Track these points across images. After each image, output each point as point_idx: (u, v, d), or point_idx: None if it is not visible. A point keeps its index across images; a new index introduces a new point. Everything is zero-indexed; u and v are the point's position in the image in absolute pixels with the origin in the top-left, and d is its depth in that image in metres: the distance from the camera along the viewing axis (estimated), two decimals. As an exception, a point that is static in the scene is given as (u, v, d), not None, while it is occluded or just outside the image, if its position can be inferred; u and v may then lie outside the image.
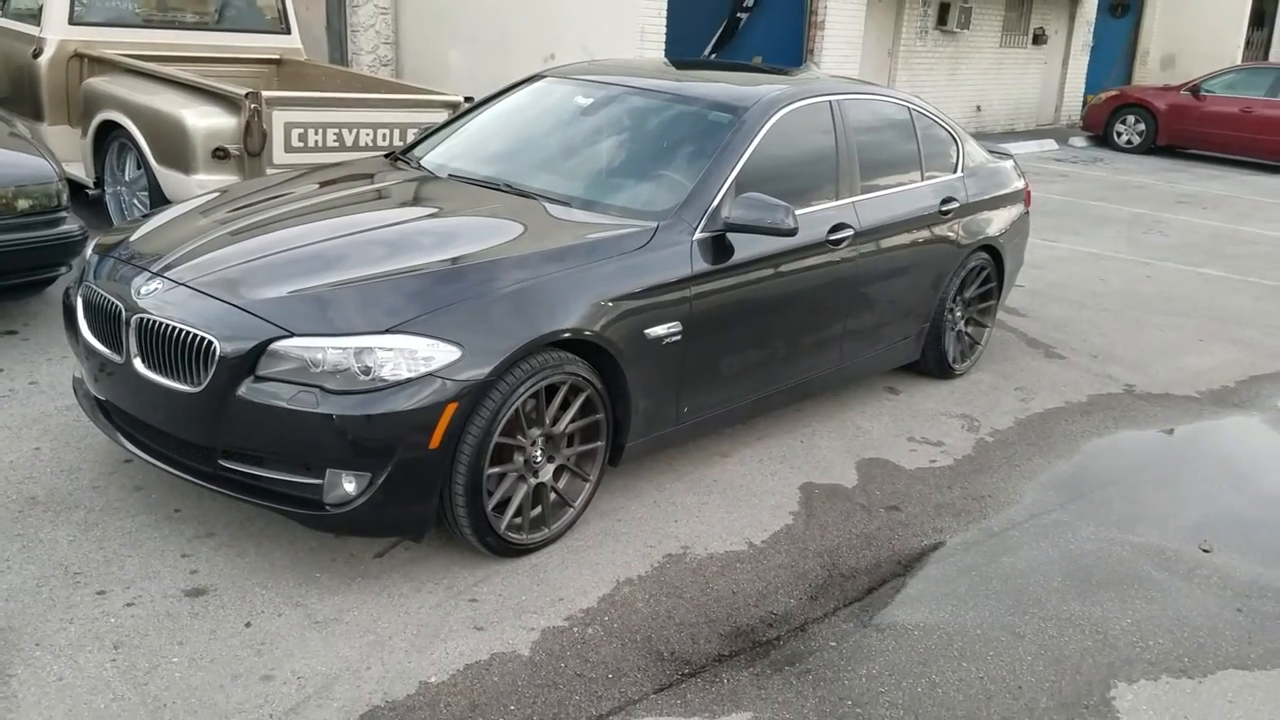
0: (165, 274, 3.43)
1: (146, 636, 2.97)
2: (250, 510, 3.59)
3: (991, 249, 5.53)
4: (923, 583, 3.59)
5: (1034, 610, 3.47)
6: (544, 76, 5.02)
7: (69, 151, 6.93)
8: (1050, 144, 16.39)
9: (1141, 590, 3.65)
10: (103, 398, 3.59)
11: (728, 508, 3.99)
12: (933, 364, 5.42)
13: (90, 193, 6.74)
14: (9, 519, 3.48)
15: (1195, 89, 16.30)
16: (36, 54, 6.93)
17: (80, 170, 6.85)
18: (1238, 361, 6.32)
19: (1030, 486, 4.41)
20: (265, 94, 5.95)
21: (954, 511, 4.12)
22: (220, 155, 5.91)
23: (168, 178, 6.05)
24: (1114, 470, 4.64)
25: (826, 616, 3.35)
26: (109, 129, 6.50)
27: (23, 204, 4.87)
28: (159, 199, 6.07)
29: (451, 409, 3.13)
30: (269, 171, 5.92)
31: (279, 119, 5.99)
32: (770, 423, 4.75)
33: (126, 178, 6.58)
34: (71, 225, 5.04)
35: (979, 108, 16.58)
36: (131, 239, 3.79)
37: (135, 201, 6.52)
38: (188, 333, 3.20)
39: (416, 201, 4.10)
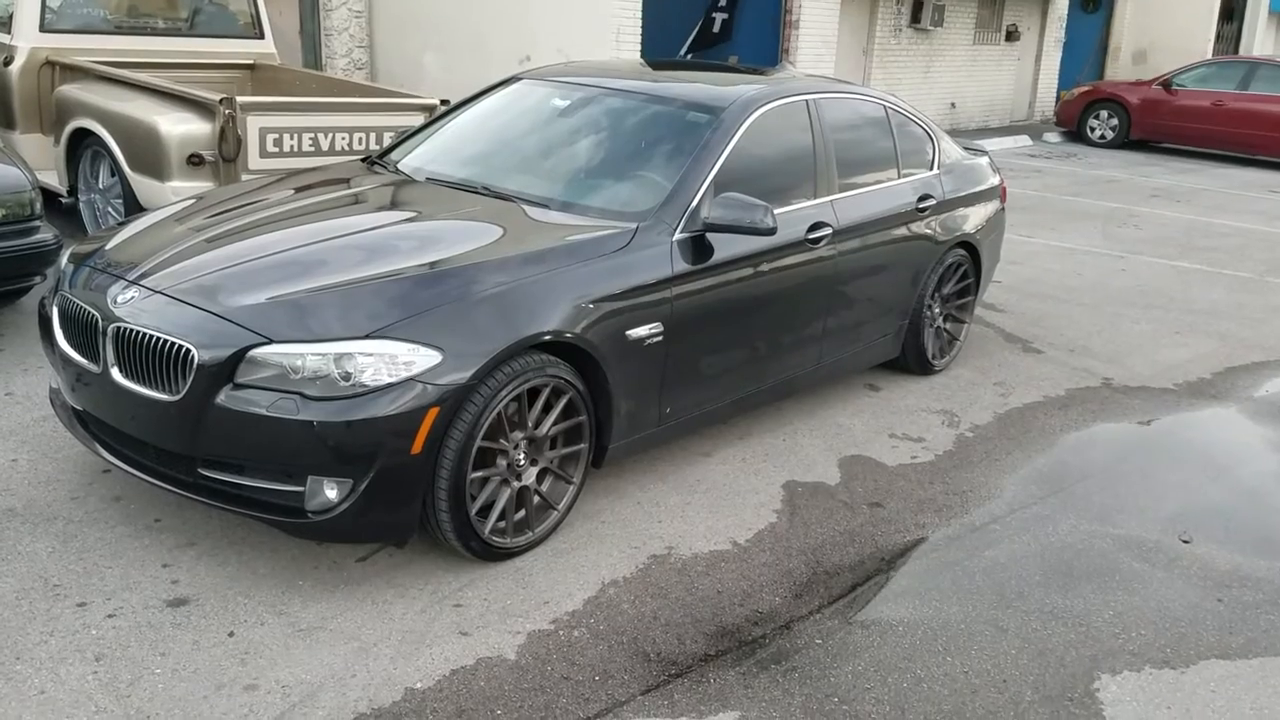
0: (141, 282, 3.40)
1: (128, 648, 2.94)
2: (231, 519, 3.57)
3: (968, 245, 5.56)
4: (906, 578, 3.61)
5: (1017, 604, 3.49)
6: (520, 78, 5.01)
7: (42, 160, 6.86)
8: (1024, 140, 16.50)
9: (1123, 582, 3.68)
10: (80, 408, 3.56)
11: (711, 507, 3.99)
12: (912, 360, 5.44)
13: (64, 201, 6.69)
14: (-14, 532, 3.45)
15: (1167, 83, 16.45)
16: (7, 62, 6.87)
17: (53, 179, 6.79)
18: (1213, 353, 6.38)
19: (1011, 481, 4.43)
20: (239, 99, 5.91)
21: (936, 507, 4.14)
22: (195, 161, 5.88)
23: (142, 185, 6.00)
24: (1093, 463, 4.67)
25: (811, 614, 3.36)
26: (82, 136, 6.44)
27: (-4, 213, 4.83)
28: (133, 207, 6.03)
29: (433, 414, 3.12)
30: (244, 177, 5.88)
31: (254, 124, 5.95)
32: (752, 422, 4.76)
33: (100, 186, 6.52)
34: (46, 234, 5.00)
35: (953, 105, 16.68)
36: (107, 247, 3.75)
37: (110, 209, 6.47)
38: (165, 341, 3.18)
39: (394, 205, 4.09)
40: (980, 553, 3.80)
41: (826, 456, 4.52)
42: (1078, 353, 6.18)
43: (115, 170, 6.20)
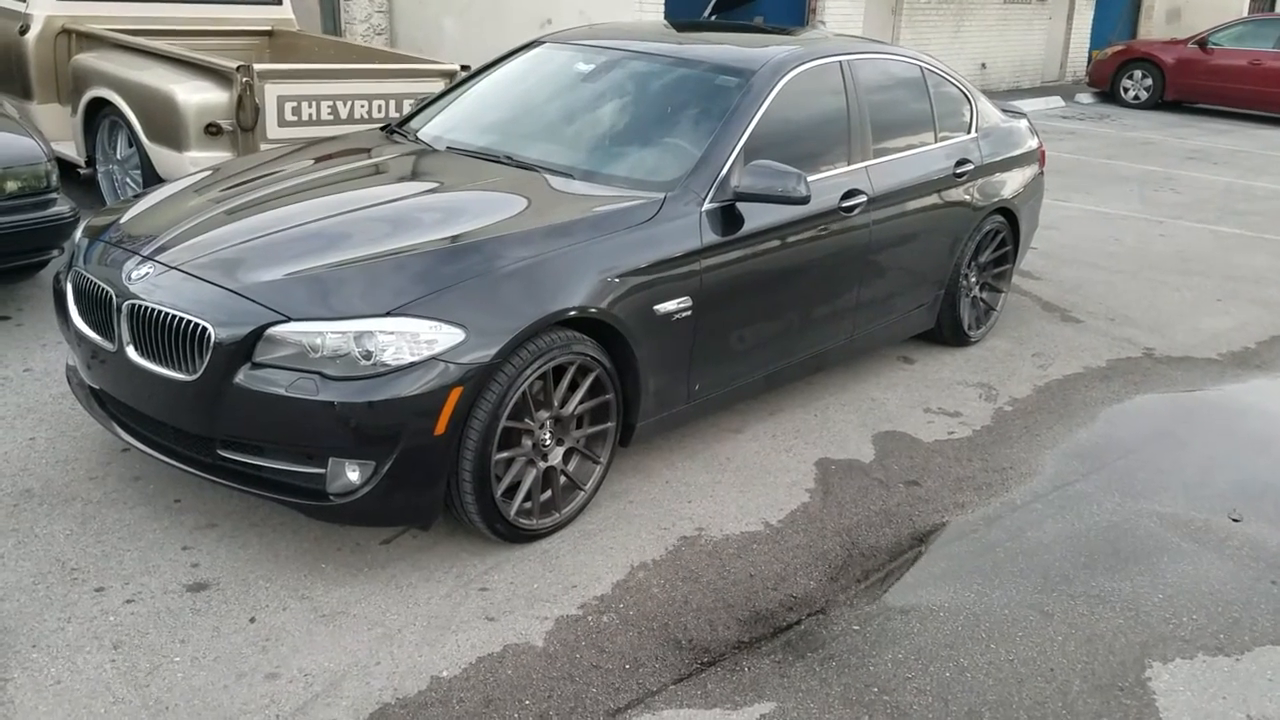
0: (157, 258, 3.30)
1: (147, 635, 2.87)
2: (252, 500, 3.48)
3: (1006, 211, 5.39)
4: (946, 561, 3.48)
5: (1062, 587, 3.36)
6: (542, 42, 4.86)
7: (59, 130, 6.79)
8: (1056, 101, 16.16)
9: (1171, 564, 3.54)
10: (97, 386, 3.47)
11: (742, 486, 3.87)
12: (948, 332, 5.29)
13: (82, 172, 6.60)
14: (3, 514, 3.37)
15: (1202, 42, 16.04)
16: (23, 30, 6.76)
17: (71, 149, 6.70)
18: (1257, 321, 6.19)
19: (1052, 456, 4.29)
20: (257, 67, 5.79)
21: (975, 485, 4.01)
22: (213, 131, 5.77)
23: (160, 155, 5.91)
24: (1137, 437, 4.52)
25: (848, 599, 3.25)
26: (99, 106, 6.34)
27: (11, 186, 4.74)
28: (151, 177, 5.94)
29: (456, 393, 3.01)
30: (263, 147, 5.78)
31: (271, 92, 5.84)
32: (783, 397, 4.63)
33: (118, 156, 6.43)
34: (62, 207, 4.91)
35: (984, 65, 16.33)
36: (121, 221, 3.66)
37: (128, 180, 6.38)
38: (181, 319, 3.08)
39: (414, 176, 3.96)
40: (1022, 533, 3.67)
41: (860, 432, 4.39)
42: (1118, 322, 6.00)
43: (133, 140, 6.10)
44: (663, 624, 3.06)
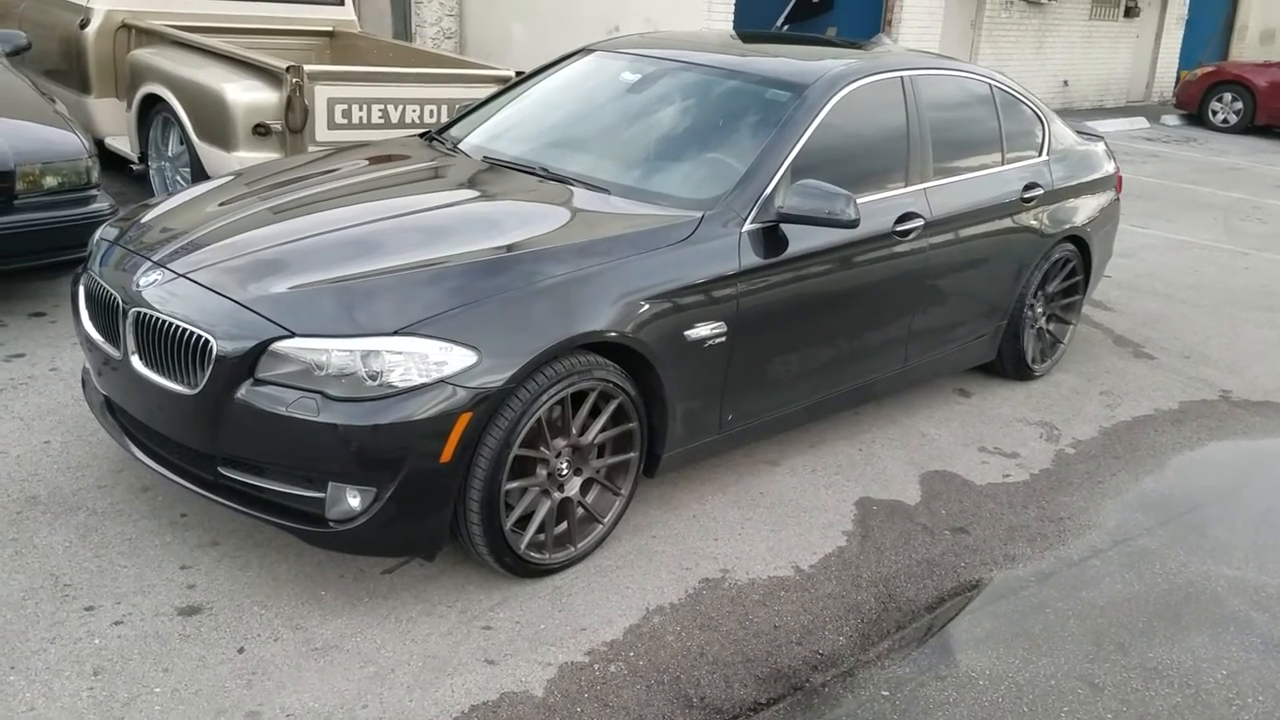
0: (167, 264, 3.17)
1: (130, 662, 2.73)
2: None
3: (1078, 239, 5.07)
4: (990, 620, 3.21)
5: (1115, 657, 3.08)
6: (592, 50, 4.68)
7: (115, 125, 6.80)
8: (1141, 122, 15.59)
9: (1238, 635, 3.23)
10: (106, 394, 3.36)
11: (773, 525, 3.64)
12: (1009, 364, 4.99)
13: (135, 168, 6.59)
14: (6, 521, 3.27)
15: (1299, 65, 15.38)
16: (83, 24, 6.78)
17: (126, 144, 6.70)
18: (1348, 365, 5.78)
19: (1114, 507, 3.98)
20: (307, 68, 5.70)
21: (1028, 536, 3.72)
22: (261, 131, 5.69)
23: (209, 154, 5.85)
24: (1208, 489, 4.19)
25: (880, 659, 2.99)
26: (153, 102, 6.32)
27: (51, 181, 4.70)
28: (200, 176, 5.87)
29: (465, 419, 2.83)
30: (311, 149, 5.69)
31: (321, 94, 5.74)
32: (825, 428, 4.38)
33: (170, 153, 6.40)
34: (102, 203, 4.86)
35: (1066, 83, 15.85)
36: (139, 224, 3.55)
37: (178, 178, 6.34)
38: (185, 330, 2.95)
39: (445, 187, 3.79)
40: (1076, 593, 3.39)
41: (907, 471, 4.12)
42: (1194, 360, 5.64)
43: (183, 138, 6.05)
44: (674, 677, 2.85)
